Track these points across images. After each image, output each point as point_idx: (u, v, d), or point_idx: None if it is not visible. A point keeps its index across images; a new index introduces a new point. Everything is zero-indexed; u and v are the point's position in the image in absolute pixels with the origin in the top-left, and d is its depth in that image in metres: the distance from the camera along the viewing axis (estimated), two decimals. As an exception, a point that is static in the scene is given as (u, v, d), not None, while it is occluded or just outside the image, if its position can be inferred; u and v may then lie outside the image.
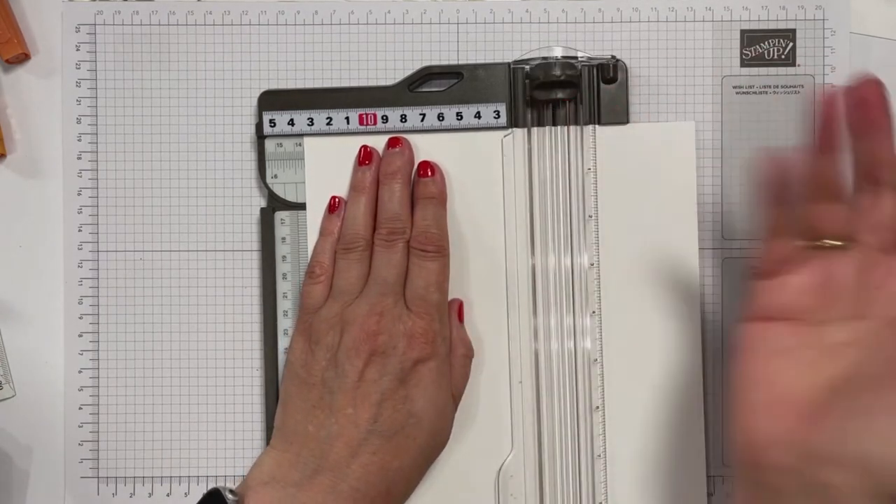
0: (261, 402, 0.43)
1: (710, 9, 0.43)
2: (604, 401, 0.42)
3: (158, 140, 0.43)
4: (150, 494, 0.43)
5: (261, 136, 0.42)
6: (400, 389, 0.37)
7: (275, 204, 0.42)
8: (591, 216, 0.42)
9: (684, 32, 0.43)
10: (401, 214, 0.40)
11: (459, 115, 0.42)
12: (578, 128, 0.42)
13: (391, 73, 0.43)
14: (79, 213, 0.43)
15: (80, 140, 0.43)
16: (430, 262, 0.39)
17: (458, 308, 0.41)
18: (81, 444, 0.43)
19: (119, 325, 0.43)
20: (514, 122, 0.42)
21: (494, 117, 0.42)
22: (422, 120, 0.42)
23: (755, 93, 0.43)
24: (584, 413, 0.42)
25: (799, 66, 0.43)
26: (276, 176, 0.42)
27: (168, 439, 0.43)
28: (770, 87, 0.43)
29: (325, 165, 0.42)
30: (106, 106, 0.43)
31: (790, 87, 0.43)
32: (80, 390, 0.43)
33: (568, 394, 0.42)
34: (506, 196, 0.42)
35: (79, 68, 0.43)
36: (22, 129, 0.44)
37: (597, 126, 0.42)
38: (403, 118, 0.42)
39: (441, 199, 0.41)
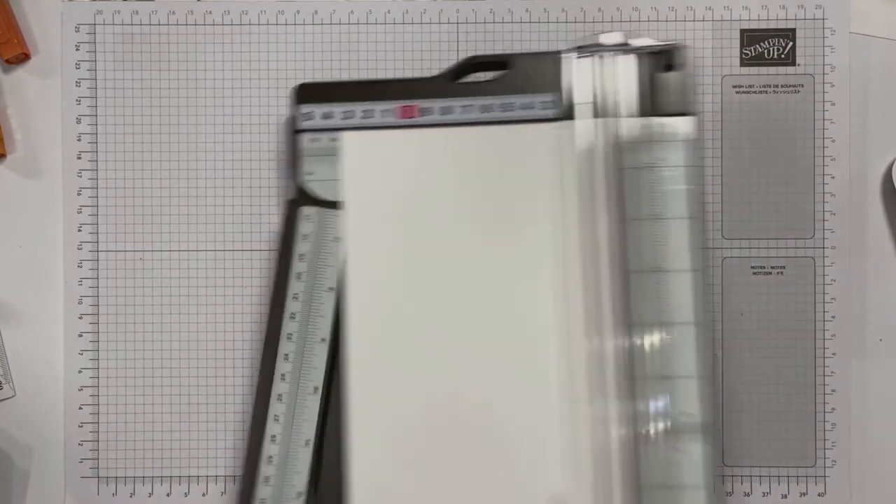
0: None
1: (710, 8, 0.43)
2: (671, 422, 0.37)
3: (158, 140, 0.43)
4: (150, 494, 0.43)
5: (295, 131, 0.40)
6: None
7: (304, 200, 0.40)
8: (654, 215, 0.38)
9: (684, 32, 0.43)
10: None
11: (507, 107, 0.39)
12: (638, 120, 0.38)
13: (391, 74, 0.43)
14: (79, 213, 0.43)
15: (79, 140, 0.43)
16: None
17: None
18: (81, 444, 0.43)
19: (119, 325, 0.43)
20: (566, 113, 0.39)
21: (544, 108, 0.39)
22: (465, 112, 0.39)
23: (755, 92, 0.43)
24: (656, 433, 0.37)
25: (799, 65, 0.43)
26: (311, 173, 0.40)
27: (168, 439, 0.43)
28: (770, 86, 0.43)
29: (364, 161, 0.39)
30: (106, 106, 0.43)
31: (790, 86, 0.43)
32: (80, 390, 0.43)
33: (632, 410, 0.37)
34: (559, 191, 0.38)
35: (79, 68, 0.43)
36: (22, 129, 0.44)
37: (663, 119, 0.38)
38: (446, 110, 0.39)
39: None
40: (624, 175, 0.38)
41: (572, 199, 0.38)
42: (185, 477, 0.43)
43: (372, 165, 0.39)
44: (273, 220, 0.43)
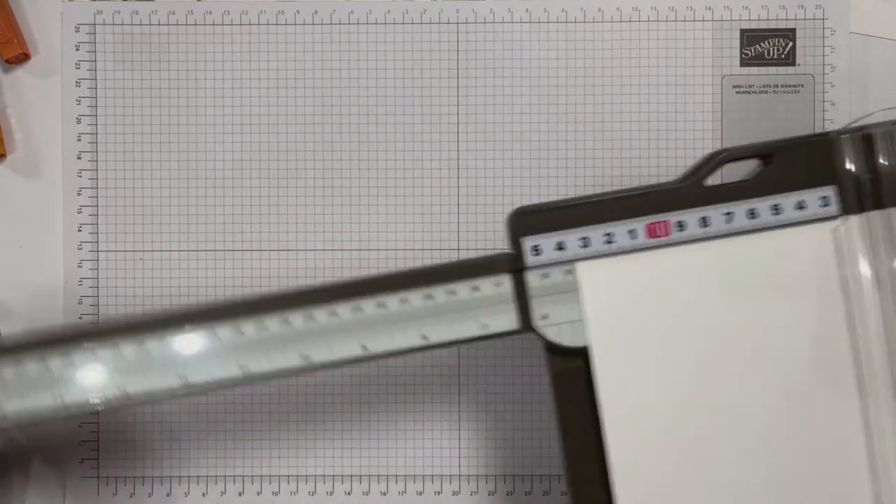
0: (266, 402, 0.43)
1: (710, 8, 0.43)
2: None
3: (158, 140, 0.43)
4: (150, 494, 0.43)
5: (519, 269, 0.33)
6: None
7: (551, 349, 0.33)
8: None
9: (684, 32, 0.43)
10: None
11: (776, 208, 0.33)
12: None
13: (400, 77, 0.43)
14: (79, 213, 0.43)
15: (79, 140, 0.43)
16: None
17: None
18: (81, 444, 0.43)
19: (119, 325, 0.43)
20: (846, 208, 0.33)
21: (822, 205, 0.33)
22: (728, 221, 0.33)
23: (755, 92, 0.43)
24: None
25: (799, 65, 0.43)
26: (545, 316, 0.33)
27: (168, 439, 0.43)
28: (770, 86, 0.43)
29: (609, 294, 0.33)
30: (106, 106, 0.43)
31: (790, 86, 0.43)
32: (80, 390, 0.43)
33: None
34: (848, 299, 0.33)
35: (78, 68, 0.43)
36: (22, 129, 0.44)
37: None
38: (704, 221, 0.33)
39: None
40: None
41: (869, 307, 0.33)
42: (185, 477, 0.43)
43: (620, 298, 0.33)
44: (273, 219, 0.43)
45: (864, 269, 0.33)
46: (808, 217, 0.33)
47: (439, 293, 0.33)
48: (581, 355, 0.33)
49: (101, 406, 0.32)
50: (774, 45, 0.43)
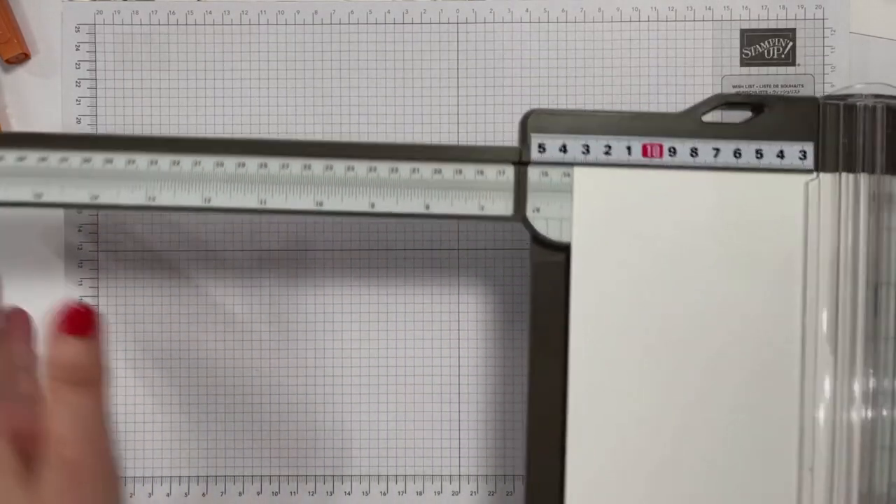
0: (266, 402, 0.43)
1: (710, 8, 0.43)
2: None
3: (158, 131, 0.43)
4: (151, 494, 0.43)
5: (524, 163, 0.36)
6: None
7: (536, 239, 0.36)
8: None
9: (684, 32, 0.43)
10: None
11: (759, 153, 0.36)
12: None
13: (392, 74, 0.43)
14: (79, 212, 0.43)
15: (79, 140, 0.43)
16: None
17: None
18: (81, 444, 0.43)
19: (119, 325, 0.43)
20: (821, 165, 0.36)
21: (800, 158, 0.36)
22: (715, 156, 0.36)
23: (755, 92, 0.43)
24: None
25: (799, 65, 0.43)
26: (537, 209, 0.36)
27: (168, 439, 0.43)
28: (770, 86, 0.43)
29: (598, 200, 0.36)
30: (106, 106, 0.43)
31: (790, 86, 0.43)
32: (80, 390, 0.43)
33: (865, 483, 0.35)
34: (808, 248, 0.36)
35: (78, 68, 0.43)
36: (22, 128, 0.44)
37: None
38: (694, 152, 0.36)
39: None
40: (881, 235, 0.36)
41: (825, 257, 0.36)
42: (185, 477, 0.43)
43: (606, 205, 0.36)
44: (273, 219, 0.43)
45: (827, 224, 0.36)
46: (786, 166, 0.36)
47: (448, 170, 0.36)
48: (562, 251, 0.36)
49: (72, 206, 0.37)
50: (774, 45, 0.43)
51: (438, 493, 0.43)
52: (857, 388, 0.36)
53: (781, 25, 0.43)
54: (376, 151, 0.36)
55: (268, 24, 0.43)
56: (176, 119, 0.43)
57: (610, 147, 0.36)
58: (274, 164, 0.36)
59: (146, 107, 0.44)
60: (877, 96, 0.36)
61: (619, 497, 0.36)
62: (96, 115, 0.43)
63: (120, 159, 0.36)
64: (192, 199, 0.36)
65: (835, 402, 0.36)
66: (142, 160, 0.36)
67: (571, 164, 0.36)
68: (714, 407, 0.36)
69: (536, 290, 0.36)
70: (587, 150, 0.36)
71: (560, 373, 0.36)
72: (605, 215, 0.36)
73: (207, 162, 0.36)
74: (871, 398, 0.36)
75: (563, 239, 0.36)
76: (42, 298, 0.44)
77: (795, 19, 0.43)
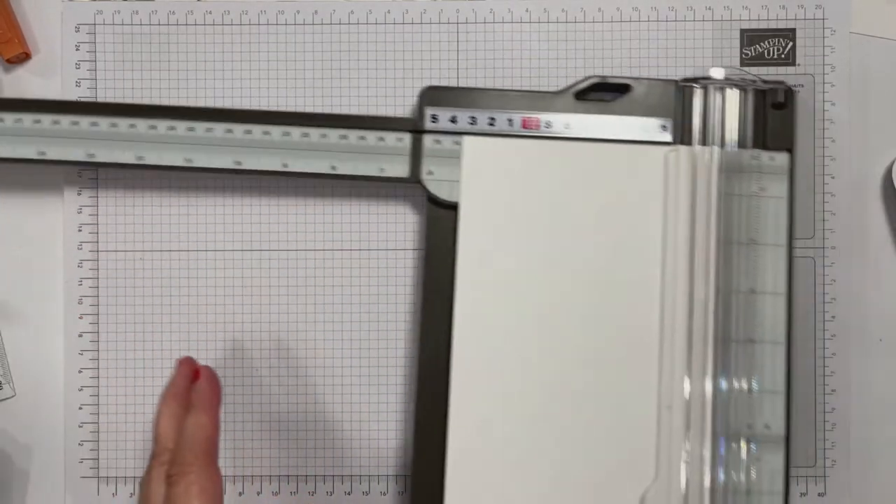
0: (268, 402, 0.43)
1: (710, 8, 0.43)
2: (755, 432, 0.40)
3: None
4: (150, 494, 0.43)
5: (419, 131, 0.41)
6: None
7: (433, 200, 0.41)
8: (753, 240, 0.40)
9: (684, 32, 0.43)
10: None
11: (625, 127, 0.41)
12: (745, 151, 0.40)
13: (390, 75, 0.43)
14: (79, 213, 0.43)
15: (80, 140, 0.43)
16: None
17: None
18: (81, 444, 0.43)
19: (119, 325, 0.43)
20: (679, 139, 0.41)
21: (660, 132, 0.41)
22: (586, 129, 0.41)
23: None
24: (739, 443, 0.40)
25: (799, 65, 0.43)
26: (431, 172, 0.41)
27: (168, 439, 0.43)
28: (770, 86, 0.43)
29: (483, 165, 0.41)
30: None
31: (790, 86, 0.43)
32: (80, 390, 0.43)
33: (719, 422, 0.40)
34: (666, 211, 0.40)
35: (78, 68, 0.43)
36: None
37: (761, 151, 0.40)
38: (567, 125, 0.41)
39: None
40: (730, 201, 0.40)
41: (681, 221, 0.40)
42: (185, 477, 0.43)
43: (490, 170, 0.41)
44: (273, 219, 0.43)
45: (683, 191, 0.40)
46: (648, 139, 0.41)
47: (352, 136, 0.41)
48: (453, 209, 0.41)
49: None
50: (774, 45, 0.43)
51: (438, 493, 0.43)
52: (710, 334, 0.40)
53: (781, 25, 0.43)
54: (289, 118, 0.41)
55: (268, 24, 0.43)
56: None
57: (494, 119, 0.41)
58: (200, 127, 0.41)
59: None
60: (728, 79, 0.41)
61: (498, 435, 0.40)
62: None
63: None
64: (126, 157, 0.41)
65: (690, 344, 0.40)
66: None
67: (461, 133, 0.41)
68: (583, 354, 0.40)
69: (429, 244, 0.41)
70: (474, 121, 0.41)
71: (447, 319, 0.40)
72: (490, 179, 0.41)
73: (141, 125, 0.41)
74: (722, 342, 0.40)
75: (453, 199, 0.41)
76: (42, 298, 0.44)
77: (795, 19, 0.43)
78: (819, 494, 0.43)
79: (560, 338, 0.40)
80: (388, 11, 0.43)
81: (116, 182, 0.43)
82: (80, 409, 0.43)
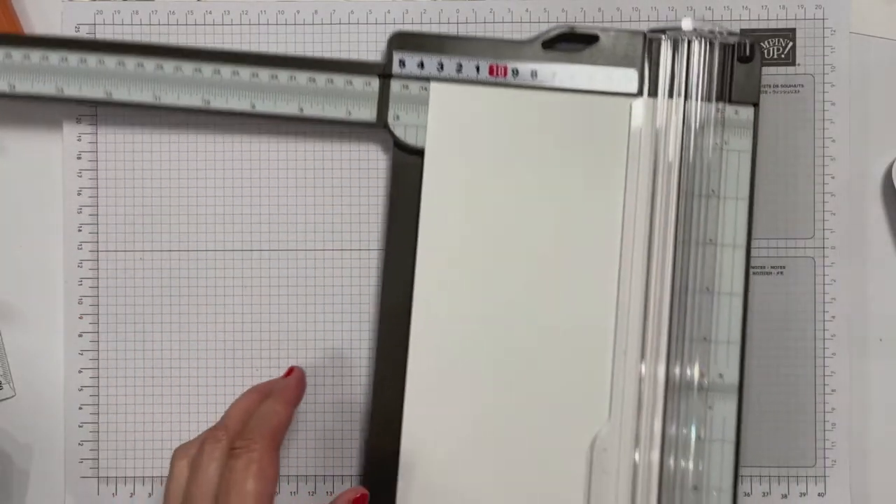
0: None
1: (709, 8, 0.43)
2: (708, 381, 0.40)
3: (158, 140, 0.43)
4: (150, 494, 0.43)
5: (387, 75, 0.41)
6: None
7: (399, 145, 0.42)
8: (713, 192, 0.41)
9: (684, 32, 0.43)
10: None
11: (591, 77, 0.41)
12: (711, 104, 0.41)
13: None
14: (79, 213, 0.43)
15: (79, 140, 0.43)
16: None
17: None
18: (81, 444, 0.43)
19: (119, 325, 0.43)
20: (645, 90, 0.41)
21: (626, 83, 0.41)
22: (553, 77, 0.41)
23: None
24: (694, 390, 0.40)
25: (799, 65, 0.43)
26: (397, 117, 0.41)
27: (168, 439, 0.43)
28: (770, 86, 0.43)
29: (450, 112, 0.41)
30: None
31: (790, 86, 0.43)
32: (80, 390, 0.43)
33: (675, 368, 0.41)
34: (629, 161, 0.41)
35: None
36: (21, 128, 0.44)
37: (726, 104, 0.41)
38: (534, 74, 0.41)
39: None
40: (693, 153, 0.41)
41: (643, 171, 0.41)
42: (185, 477, 0.43)
43: (457, 117, 0.41)
44: (273, 219, 0.43)
45: (647, 141, 0.41)
46: (613, 89, 0.41)
47: (321, 79, 0.41)
48: (419, 155, 0.41)
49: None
50: (774, 45, 0.43)
51: (438, 493, 0.43)
52: (668, 282, 0.41)
53: (781, 25, 0.43)
54: (259, 60, 0.41)
55: (268, 24, 0.43)
56: (176, 118, 0.43)
57: (461, 66, 0.41)
58: (168, 65, 0.41)
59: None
60: (696, 31, 0.41)
61: (456, 377, 0.41)
62: (96, 115, 0.43)
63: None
64: (96, 92, 0.41)
65: (648, 291, 0.41)
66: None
67: (428, 79, 0.41)
68: (543, 299, 0.41)
69: (394, 188, 0.42)
70: (441, 67, 0.41)
71: (411, 264, 0.41)
72: (456, 125, 0.41)
73: (110, 61, 0.41)
74: (680, 292, 0.41)
75: (419, 144, 0.41)
76: (42, 298, 0.44)
77: (795, 19, 0.43)
78: (819, 494, 0.43)
79: (520, 283, 0.41)
80: (388, 11, 0.43)
81: (116, 182, 0.43)
82: (80, 409, 0.43)
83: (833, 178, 0.43)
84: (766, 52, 0.43)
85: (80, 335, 0.43)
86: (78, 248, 0.43)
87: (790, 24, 0.43)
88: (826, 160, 0.43)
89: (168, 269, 0.43)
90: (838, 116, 0.43)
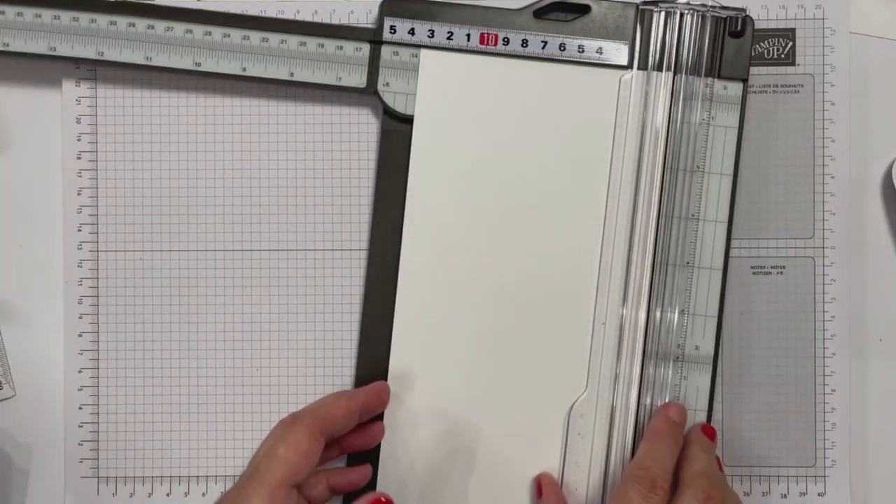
0: (267, 402, 0.43)
1: (709, 8, 0.43)
2: (684, 352, 0.41)
3: (158, 140, 0.43)
4: (150, 494, 0.43)
5: (377, 41, 0.41)
6: None
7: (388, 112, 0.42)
8: (699, 167, 0.41)
9: (684, 32, 0.43)
10: None
11: (581, 48, 0.41)
12: (700, 78, 0.41)
13: (391, 73, 0.43)
14: (79, 212, 0.43)
15: (79, 140, 0.43)
16: None
17: None
18: (81, 444, 0.43)
19: (119, 325, 0.43)
20: (635, 63, 0.41)
21: (616, 55, 0.41)
22: (543, 48, 0.41)
23: (755, 92, 0.43)
24: (668, 361, 0.41)
25: (799, 65, 0.43)
26: (387, 84, 0.41)
27: (168, 439, 0.43)
28: (770, 86, 0.43)
29: (439, 80, 0.41)
30: (105, 106, 0.43)
31: (790, 86, 0.43)
32: (80, 390, 0.43)
33: (652, 339, 0.41)
34: (616, 134, 0.41)
35: (78, 68, 0.43)
36: (22, 128, 0.44)
37: (715, 79, 0.41)
38: (524, 43, 0.41)
39: None
40: (680, 127, 0.41)
41: (630, 144, 0.41)
42: (185, 477, 0.43)
43: (446, 85, 0.41)
44: (272, 220, 0.43)
45: (635, 115, 0.41)
46: (604, 61, 0.42)
47: (312, 43, 0.42)
48: (408, 122, 0.42)
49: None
50: (774, 45, 0.43)
51: (438, 493, 0.43)
52: (649, 256, 0.41)
53: (781, 25, 0.43)
54: (250, 22, 0.41)
55: None
56: (175, 119, 0.43)
57: (452, 33, 0.41)
58: (159, 26, 0.41)
59: (145, 106, 0.43)
60: (688, 4, 0.41)
61: (440, 339, 0.42)
62: (96, 116, 0.43)
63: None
64: (87, 52, 0.41)
65: (629, 265, 0.41)
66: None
67: (419, 46, 0.41)
68: (526, 268, 0.41)
69: (383, 155, 0.42)
70: (432, 34, 0.41)
71: (398, 229, 0.42)
72: (446, 94, 0.41)
73: (101, 20, 0.41)
74: (660, 265, 0.41)
75: (409, 112, 0.42)
76: (42, 298, 0.44)
77: (795, 19, 0.43)
78: (819, 494, 0.43)
79: (504, 252, 0.42)
80: (388, 11, 0.43)
81: (116, 182, 0.43)
82: (80, 409, 0.43)
83: (833, 178, 0.43)
84: (766, 51, 0.43)
85: (80, 335, 0.43)
86: (78, 248, 0.43)
87: (790, 24, 0.43)
88: (826, 160, 0.43)
89: (167, 269, 0.43)
90: (838, 116, 0.43)
